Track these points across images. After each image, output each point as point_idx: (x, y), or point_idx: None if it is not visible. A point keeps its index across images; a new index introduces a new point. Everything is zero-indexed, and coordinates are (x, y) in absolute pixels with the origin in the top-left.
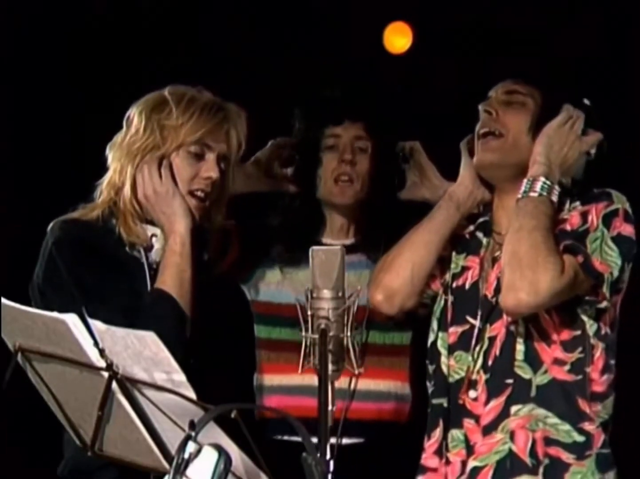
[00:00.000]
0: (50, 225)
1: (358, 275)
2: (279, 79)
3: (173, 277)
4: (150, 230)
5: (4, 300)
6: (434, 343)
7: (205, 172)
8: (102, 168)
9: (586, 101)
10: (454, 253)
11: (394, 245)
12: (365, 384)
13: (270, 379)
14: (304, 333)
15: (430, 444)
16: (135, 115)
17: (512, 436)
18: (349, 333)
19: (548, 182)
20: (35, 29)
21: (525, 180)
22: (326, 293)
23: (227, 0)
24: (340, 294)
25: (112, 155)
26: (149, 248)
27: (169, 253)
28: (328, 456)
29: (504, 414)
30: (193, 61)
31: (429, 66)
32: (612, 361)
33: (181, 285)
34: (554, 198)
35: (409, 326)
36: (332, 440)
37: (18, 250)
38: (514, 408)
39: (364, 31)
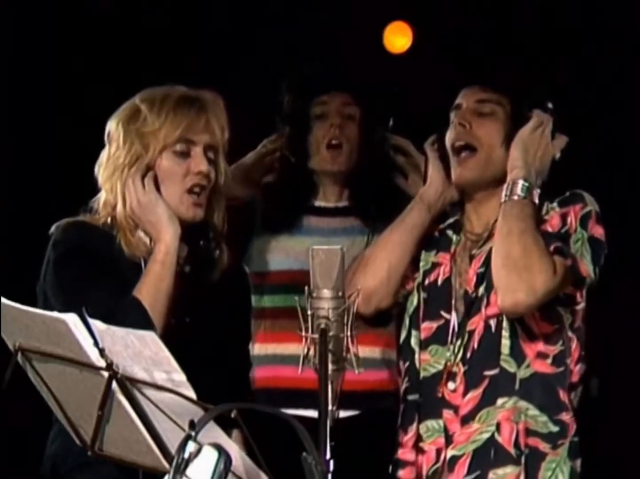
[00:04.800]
0: (55, 225)
1: (351, 240)
2: (279, 80)
3: (149, 286)
4: None
5: (4, 300)
6: (407, 341)
7: (195, 167)
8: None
9: (550, 105)
10: (423, 252)
11: (384, 210)
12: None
13: (265, 348)
14: (304, 333)
15: (408, 438)
16: (113, 129)
17: (497, 427)
18: (349, 333)
19: (527, 184)
20: (36, 29)
21: (506, 184)
22: (326, 292)
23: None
24: (340, 294)
25: (101, 175)
26: (149, 254)
27: (151, 261)
28: (328, 456)
29: (481, 405)
30: (194, 60)
31: (429, 66)
32: (583, 353)
33: (156, 294)
34: (535, 199)
35: None
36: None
37: (19, 250)
38: (500, 401)
39: (364, 31)
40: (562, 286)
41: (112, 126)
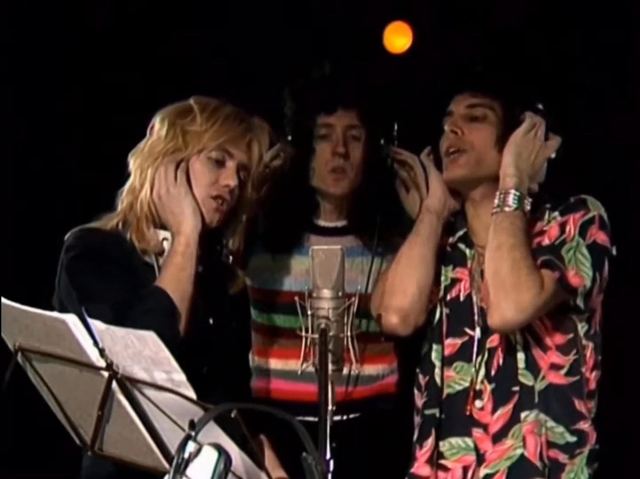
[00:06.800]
0: (68, 233)
1: (351, 261)
2: (279, 80)
3: (170, 274)
4: (162, 234)
5: (4, 300)
6: (428, 354)
7: (224, 180)
8: (116, 174)
9: (540, 106)
10: (442, 266)
11: (385, 229)
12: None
13: (265, 362)
14: (304, 333)
15: (423, 453)
16: (157, 122)
17: (523, 441)
18: (349, 333)
19: (519, 194)
20: (39, 31)
21: (497, 194)
22: (326, 292)
23: (226, 1)
24: (340, 294)
25: (133, 162)
26: (160, 252)
27: (171, 252)
28: (328, 456)
29: (513, 420)
30: (192, 61)
31: (429, 66)
32: (599, 358)
33: (178, 282)
34: (527, 209)
35: None
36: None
37: (20, 251)
38: (523, 414)
39: (364, 31)
40: (552, 299)
41: (158, 119)
